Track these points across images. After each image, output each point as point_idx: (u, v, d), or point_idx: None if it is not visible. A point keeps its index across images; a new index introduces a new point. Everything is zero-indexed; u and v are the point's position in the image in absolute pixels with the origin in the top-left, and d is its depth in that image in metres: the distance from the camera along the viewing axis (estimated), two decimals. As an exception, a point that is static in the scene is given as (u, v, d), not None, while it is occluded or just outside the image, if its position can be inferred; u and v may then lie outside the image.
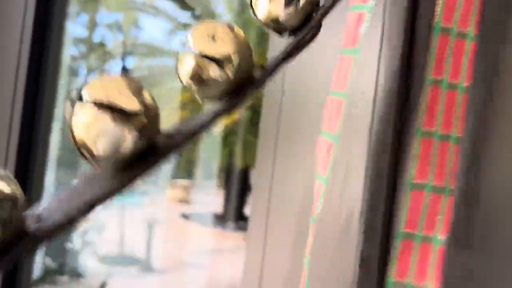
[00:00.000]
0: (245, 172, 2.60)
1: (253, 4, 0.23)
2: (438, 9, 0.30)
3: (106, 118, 0.17)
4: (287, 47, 0.24)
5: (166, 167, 2.92)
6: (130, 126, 0.17)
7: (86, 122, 0.17)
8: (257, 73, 0.23)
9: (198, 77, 0.21)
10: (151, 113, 0.18)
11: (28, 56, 0.69)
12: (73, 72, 2.83)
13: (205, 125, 0.22)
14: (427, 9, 0.30)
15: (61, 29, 0.82)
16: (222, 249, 2.54)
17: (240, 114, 2.62)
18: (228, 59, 0.21)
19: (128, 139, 0.17)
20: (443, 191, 0.29)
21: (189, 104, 2.61)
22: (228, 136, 2.68)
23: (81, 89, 0.18)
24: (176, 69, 0.20)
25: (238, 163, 2.63)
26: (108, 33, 2.95)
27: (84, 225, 2.18)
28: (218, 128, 2.68)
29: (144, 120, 0.17)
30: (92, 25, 2.81)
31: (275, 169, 0.45)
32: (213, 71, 0.21)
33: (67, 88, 2.16)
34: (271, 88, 0.48)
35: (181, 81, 0.21)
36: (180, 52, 0.20)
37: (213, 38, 0.21)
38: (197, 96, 0.22)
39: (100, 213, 2.34)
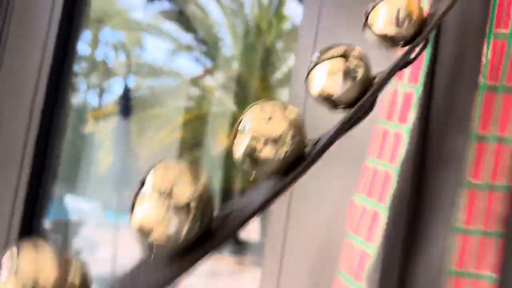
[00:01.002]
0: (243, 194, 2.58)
1: (308, 79, 0.23)
2: (482, 68, 0.30)
3: (163, 208, 0.17)
4: (341, 125, 0.23)
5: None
6: (185, 216, 0.18)
7: (146, 211, 0.17)
8: (308, 150, 0.23)
9: (252, 157, 0.21)
10: (205, 202, 0.18)
11: (47, 75, 0.69)
12: (73, 88, 2.84)
13: (261, 208, 0.21)
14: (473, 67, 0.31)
15: (74, 52, 0.83)
16: (217, 272, 2.51)
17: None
18: (281, 140, 0.20)
19: (184, 227, 0.17)
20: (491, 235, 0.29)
21: (190, 124, 2.62)
22: (227, 158, 2.68)
23: (145, 177, 0.18)
24: (232, 146, 0.21)
25: (236, 185, 2.62)
26: (110, 52, 2.97)
27: (77, 244, 2.14)
28: (217, 150, 2.68)
29: (198, 211, 0.17)
30: (95, 43, 2.83)
31: (293, 196, 0.44)
32: (267, 152, 0.21)
33: (67, 103, 2.15)
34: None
35: (235, 158, 0.21)
36: (238, 132, 0.20)
37: (269, 119, 0.21)
38: (250, 173, 0.22)
39: (93, 232, 2.31)
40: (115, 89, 2.73)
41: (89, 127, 2.35)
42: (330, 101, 0.23)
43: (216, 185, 2.79)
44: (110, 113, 2.54)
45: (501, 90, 0.30)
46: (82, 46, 2.83)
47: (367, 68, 0.22)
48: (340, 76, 0.22)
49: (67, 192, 2.12)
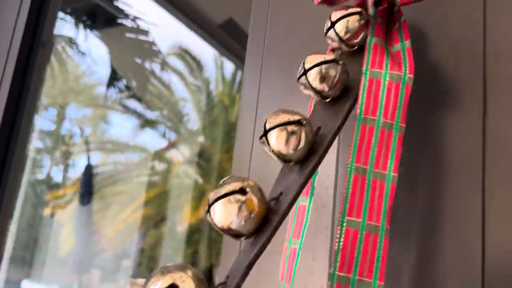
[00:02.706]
0: (210, 271, 2.51)
1: (209, 213, 0.24)
2: (359, 102, 0.32)
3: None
4: (253, 257, 0.25)
5: (127, 265, 2.79)
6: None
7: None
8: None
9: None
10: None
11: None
12: (37, 165, 2.79)
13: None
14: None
15: (29, 124, 0.83)
16: None
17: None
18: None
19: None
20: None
21: (155, 200, 2.58)
22: (192, 234, 2.63)
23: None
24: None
25: (202, 262, 2.56)
26: (75, 128, 2.96)
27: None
28: (182, 226, 2.63)
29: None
30: (60, 119, 2.83)
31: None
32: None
33: (29, 181, 2.11)
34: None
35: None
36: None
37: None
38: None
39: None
40: (79, 165, 2.70)
41: (49, 208, 2.28)
42: (232, 234, 0.25)
43: (184, 261, 2.70)
44: (72, 192, 2.48)
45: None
46: (46, 123, 2.82)
47: (262, 199, 0.24)
48: (235, 212, 0.25)
49: (24, 277, 2.02)
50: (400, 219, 0.37)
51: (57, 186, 2.62)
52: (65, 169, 2.82)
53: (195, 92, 2.73)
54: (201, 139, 2.76)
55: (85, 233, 2.34)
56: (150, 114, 2.66)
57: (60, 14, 1.97)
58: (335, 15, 0.36)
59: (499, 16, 0.38)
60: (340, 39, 0.35)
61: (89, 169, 2.31)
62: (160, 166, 2.75)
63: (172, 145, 2.77)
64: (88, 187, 2.20)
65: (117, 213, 2.56)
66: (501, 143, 0.35)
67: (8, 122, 0.80)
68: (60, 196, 2.44)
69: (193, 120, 2.79)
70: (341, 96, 0.33)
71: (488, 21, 0.39)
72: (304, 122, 0.28)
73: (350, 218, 0.30)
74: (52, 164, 2.83)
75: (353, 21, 0.35)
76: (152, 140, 2.73)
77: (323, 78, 0.32)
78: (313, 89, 0.32)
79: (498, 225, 0.34)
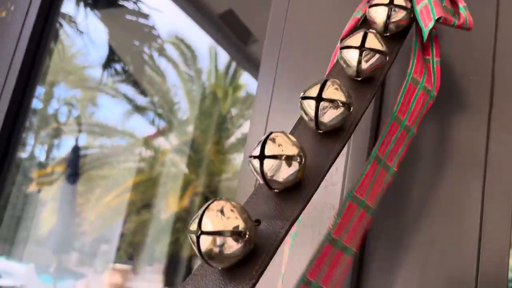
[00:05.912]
0: (190, 261, 2.52)
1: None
2: (398, 101, 0.35)
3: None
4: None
5: (106, 249, 2.78)
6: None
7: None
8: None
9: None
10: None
11: None
12: (21, 143, 2.73)
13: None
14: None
15: (28, 109, 0.83)
16: None
17: (190, 201, 2.59)
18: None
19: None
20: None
21: (140, 186, 2.57)
22: (176, 223, 2.63)
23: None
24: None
25: (184, 251, 2.56)
26: (63, 108, 2.92)
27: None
28: (165, 214, 2.63)
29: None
30: (48, 98, 2.78)
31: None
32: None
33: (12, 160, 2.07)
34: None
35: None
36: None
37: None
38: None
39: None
40: (65, 146, 2.67)
41: (33, 185, 2.25)
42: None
43: (164, 249, 2.70)
44: (57, 171, 2.45)
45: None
46: (33, 101, 2.77)
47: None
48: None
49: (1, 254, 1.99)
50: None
51: (40, 165, 2.59)
52: (49, 149, 2.78)
53: (187, 81, 2.73)
54: (190, 129, 2.76)
55: (67, 214, 2.32)
56: (141, 100, 2.64)
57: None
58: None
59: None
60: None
61: (76, 150, 2.28)
62: (147, 153, 2.74)
63: (160, 132, 2.76)
64: (75, 167, 2.18)
65: (101, 197, 2.54)
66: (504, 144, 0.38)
67: (16, 102, 0.80)
68: (47, 173, 2.41)
69: (184, 109, 2.78)
70: (333, 132, 0.31)
71: (500, 21, 0.41)
72: (300, 157, 0.26)
73: (356, 195, 0.33)
74: (37, 143, 2.79)
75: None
76: (141, 126, 2.71)
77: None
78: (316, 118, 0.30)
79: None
